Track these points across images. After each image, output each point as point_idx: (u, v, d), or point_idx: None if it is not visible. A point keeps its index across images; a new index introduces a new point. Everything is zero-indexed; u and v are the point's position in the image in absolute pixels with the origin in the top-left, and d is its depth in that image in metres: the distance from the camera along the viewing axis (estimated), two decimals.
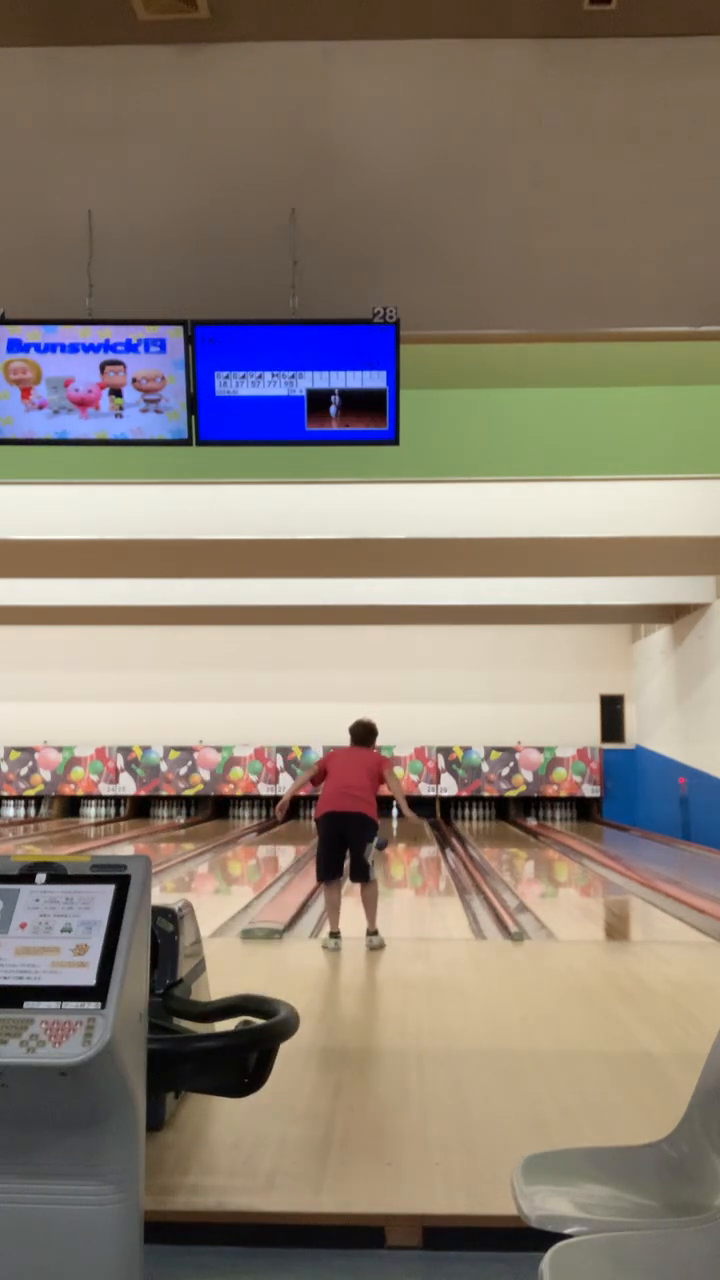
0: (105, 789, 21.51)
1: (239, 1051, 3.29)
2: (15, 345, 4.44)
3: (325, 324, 4.45)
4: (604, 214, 4.57)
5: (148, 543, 10.33)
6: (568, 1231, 2.33)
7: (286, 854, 15.73)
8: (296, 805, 21.70)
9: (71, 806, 21.98)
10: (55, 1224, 2.54)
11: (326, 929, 8.07)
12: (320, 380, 4.46)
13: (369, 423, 4.48)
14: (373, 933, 7.95)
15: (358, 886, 8.13)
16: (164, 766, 21.45)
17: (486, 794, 21.29)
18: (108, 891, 2.68)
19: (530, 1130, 4.13)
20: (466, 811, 21.54)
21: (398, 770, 21.45)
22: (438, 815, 21.01)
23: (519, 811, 21.54)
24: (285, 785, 21.29)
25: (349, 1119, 4.33)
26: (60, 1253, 2.54)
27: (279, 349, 4.45)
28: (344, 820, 8.01)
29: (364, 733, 8.48)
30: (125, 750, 21.50)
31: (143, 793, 21.53)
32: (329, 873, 8.15)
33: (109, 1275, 2.56)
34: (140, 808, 21.90)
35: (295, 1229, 3.46)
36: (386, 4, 4.36)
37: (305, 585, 14.35)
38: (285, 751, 21.28)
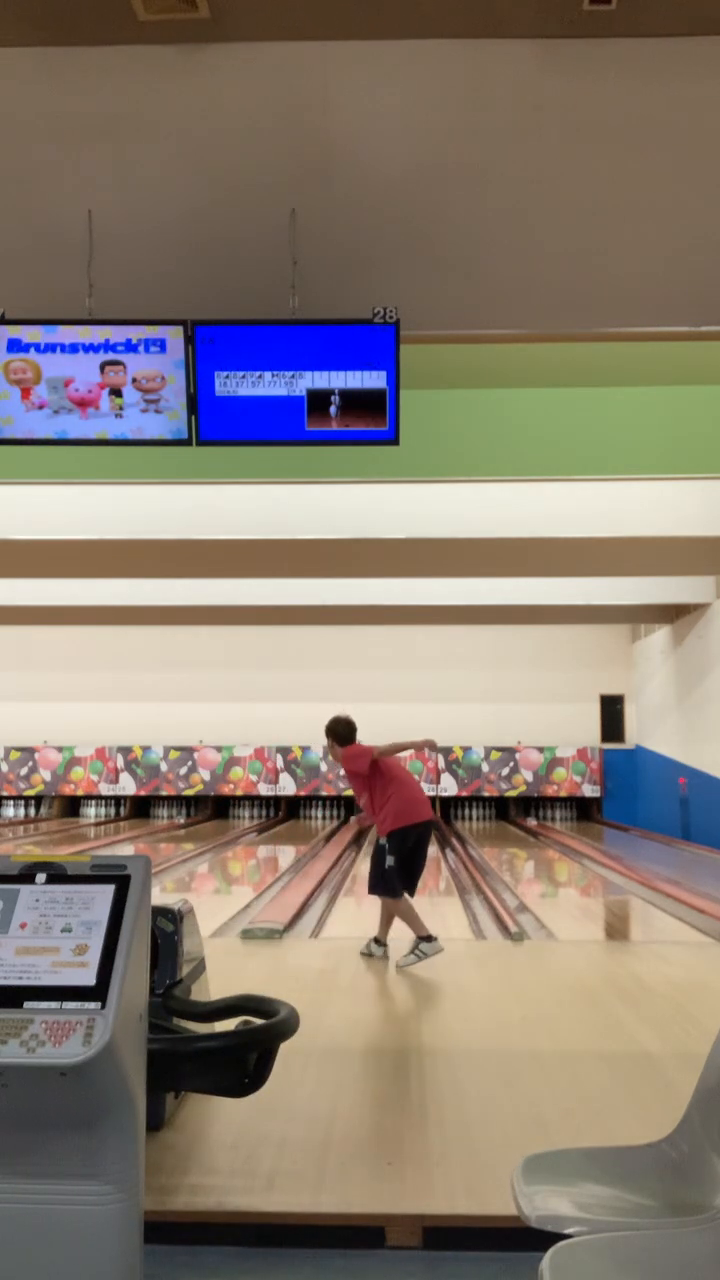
0: (105, 789, 21.51)
1: (239, 1051, 3.29)
2: (15, 345, 4.45)
3: (325, 324, 4.45)
4: (604, 214, 4.57)
5: (148, 543, 10.33)
6: (568, 1231, 2.33)
7: (286, 854, 15.73)
8: (296, 806, 21.76)
9: (71, 806, 21.98)
10: (55, 1224, 2.54)
11: (417, 940, 7.32)
12: (320, 380, 4.46)
13: (369, 423, 4.48)
14: (384, 944, 7.62)
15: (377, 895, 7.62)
16: (164, 766, 21.45)
17: (486, 794, 21.29)
18: (108, 891, 2.68)
19: (530, 1130, 4.13)
20: (466, 811, 21.54)
21: None
22: (438, 815, 21.00)
23: (519, 811, 21.54)
24: (285, 785, 21.28)
25: (349, 1119, 4.33)
26: (60, 1253, 2.54)
27: (279, 349, 4.45)
28: (430, 828, 7.67)
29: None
30: (125, 750, 21.50)
31: (143, 793, 21.53)
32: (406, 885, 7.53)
33: (109, 1275, 2.55)
34: (140, 808, 21.90)
35: (295, 1229, 3.46)
36: (386, 4, 4.37)
37: (305, 585, 14.35)
38: (285, 751, 21.27)
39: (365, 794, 7.62)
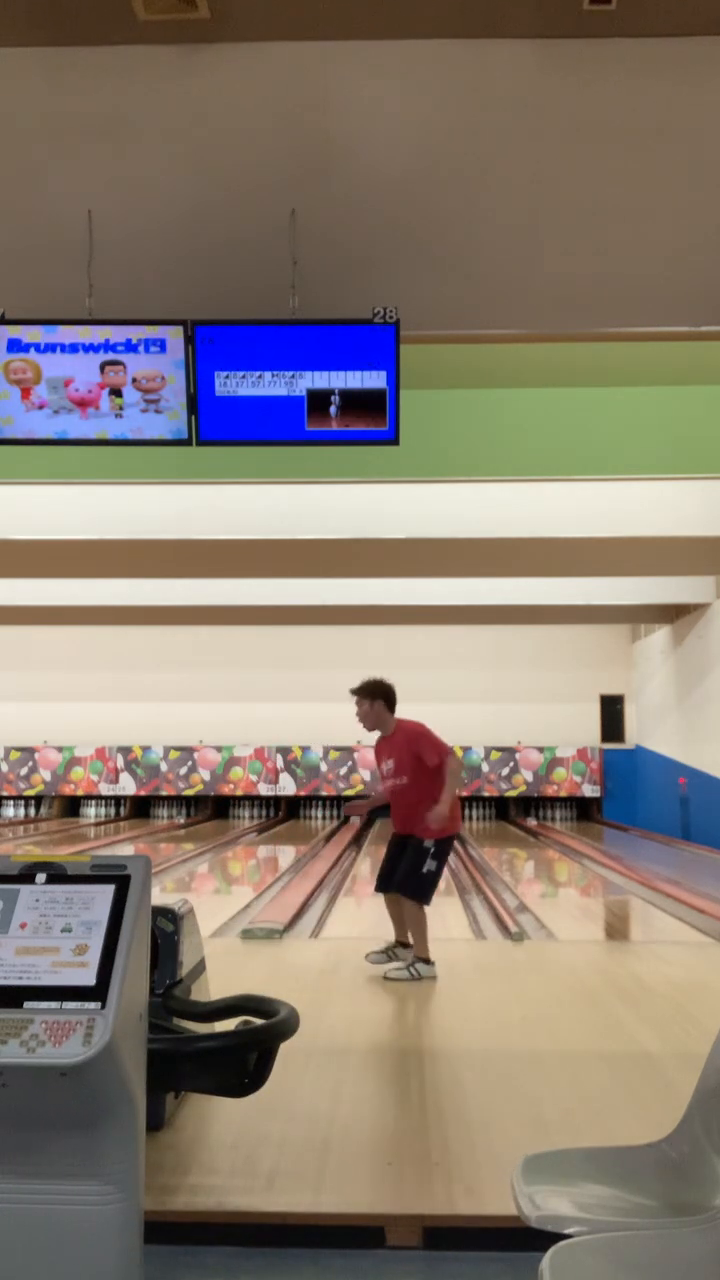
0: (105, 789, 21.51)
1: (239, 1051, 3.29)
2: (15, 345, 4.45)
3: (325, 324, 4.45)
4: (604, 214, 4.57)
5: (148, 543, 10.33)
6: (568, 1231, 2.32)
7: (286, 854, 15.73)
8: (296, 806, 21.75)
9: (71, 806, 21.98)
10: (55, 1224, 2.54)
11: (416, 958, 6.94)
12: (320, 380, 4.46)
13: (369, 423, 4.48)
14: (409, 945, 7.07)
15: (401, 900, 7.16)
16: (164, 766, 21.45)
17: (486, 794, 21.28)
18: (108, 891, 2.68)
19: (530, 1130, 4.13)
20: (466, 811, 21.49)
21: None
22: None
23: (519, 811, 21.54)
24: (285, 785, 21.27)
25: (349, 1119, 4.32)
26: (60, 1253, 2.54)
27: (279, 349, 4.45)
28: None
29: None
30: (125, 750, 21.49)
31: (143, 793, 21.53)
32: None
33: (109, 1275, 2.55)
34: (140, 808, 21.90)
35: (295, 1229, 3.46)
36: (386, 4, 4.37)
37: (305, 585, 14.35)
38: (285, 751, 21.26)
39: (410, 783, 6.98)
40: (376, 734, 7.19)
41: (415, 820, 6.94)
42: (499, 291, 4.64)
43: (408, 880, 7.02)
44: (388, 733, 7.10)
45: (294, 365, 4.45)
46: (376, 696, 7.11)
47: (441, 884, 12.23)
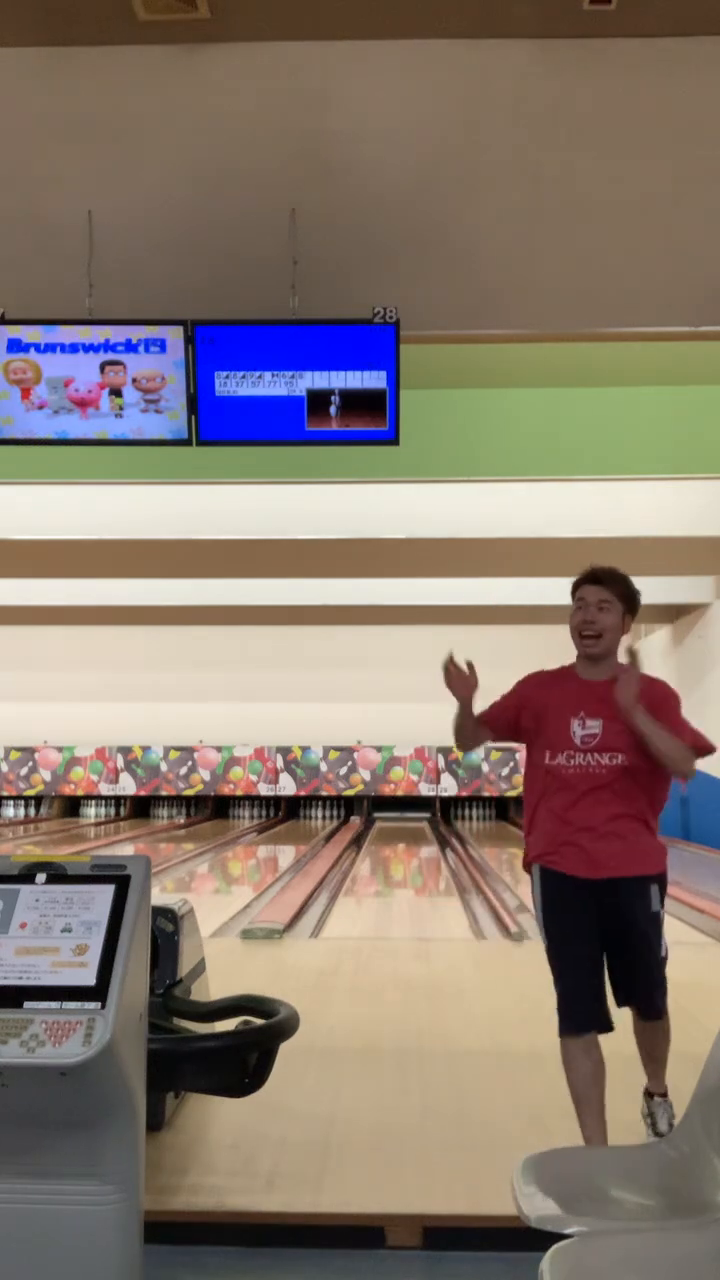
0: (105, 789, 21.50)
1: (239, 1051, 3.29)
2: (15, 345, 4.45)
3: (325, 324, 4.45)
4: (604, 214, 4.57)
5: (148, 543, 10.34)
6: (567, 1231, 2.32)
7: (286, 854, 15.73)
8: (296, 806, 21.73)
9: (71, 806, 21.97)
10: (55, 1224, 2.54)
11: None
12: (320, 380, 4.46)
13: (369, 423, 4.49)
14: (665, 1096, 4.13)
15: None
16: (164, 766, 21.44)
17: (486, 794, 21.25)
18: (108, 892, 2.68)
19: (530, 1130, 4.13)
20: (466, 811, 21.51)
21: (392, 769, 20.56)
22: (438, 815, 21.00)
23: (519, 811, 21.47)
24: (285, 785, 21.24)
25: (349, 1119, 4.32)
26: (60, 1253, 2.54)
27: (279, 349, 4.45)
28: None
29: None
30: (125, 750, 21.48)
31: (143, 793, 21.52)
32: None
33: (109, 1275, 2.55)
34: (140, 808, 21.89)
35: (295, 1229, 3.46)
36: (386, 4, 4.37)
37: (305, 585, 14.35)
38: (285, 751, 21.24)
39: (632, 766, 3.90)
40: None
41: (635, 843, 3.81)
42: (499, 291, 4.64)
43: (654, 975, 3.95)
44: (600, 673, 4.02)
45: (294, 365, 4.46)
46: (630, 605, 4.06)
47: (440, 884, 12.11)
